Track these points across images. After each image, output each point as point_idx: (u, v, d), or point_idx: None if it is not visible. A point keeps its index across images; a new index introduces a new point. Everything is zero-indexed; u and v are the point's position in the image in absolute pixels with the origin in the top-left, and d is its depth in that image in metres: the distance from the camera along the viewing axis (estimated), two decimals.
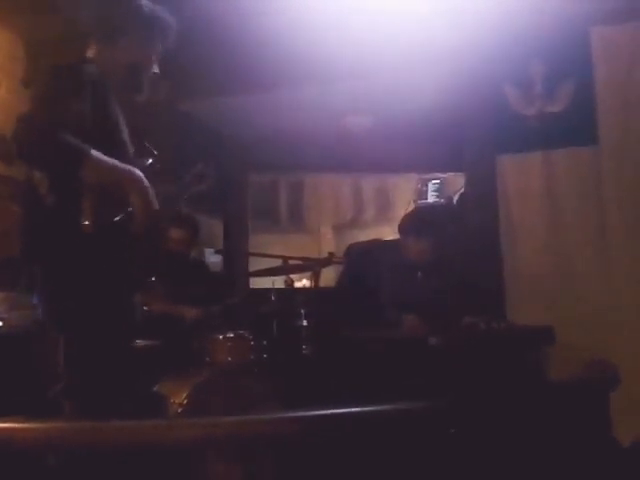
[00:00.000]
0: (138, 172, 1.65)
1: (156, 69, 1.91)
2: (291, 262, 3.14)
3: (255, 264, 4.14)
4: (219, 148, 4.93)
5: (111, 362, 1.64)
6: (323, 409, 1.26)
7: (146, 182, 1.64)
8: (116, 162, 1.61)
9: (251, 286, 4.71)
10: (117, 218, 1.59)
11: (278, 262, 3.14)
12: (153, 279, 2.81)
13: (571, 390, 1.65)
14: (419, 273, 3.13)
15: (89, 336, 1.63)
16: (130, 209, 1.62)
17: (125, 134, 1.80)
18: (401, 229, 3.25)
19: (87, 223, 1.53)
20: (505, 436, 1.99)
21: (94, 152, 1.54)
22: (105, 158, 1.58)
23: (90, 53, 1.84)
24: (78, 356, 1.66)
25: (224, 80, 3.88)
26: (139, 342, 2.70)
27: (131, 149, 1.81)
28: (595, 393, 1.92)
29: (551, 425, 1.95)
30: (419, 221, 3.27)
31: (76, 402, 1.66)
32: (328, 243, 8.86)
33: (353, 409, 1.27)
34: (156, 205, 1.65)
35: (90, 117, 1.61)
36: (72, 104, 1.58)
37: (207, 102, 4.29)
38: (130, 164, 1.68)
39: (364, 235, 7.07)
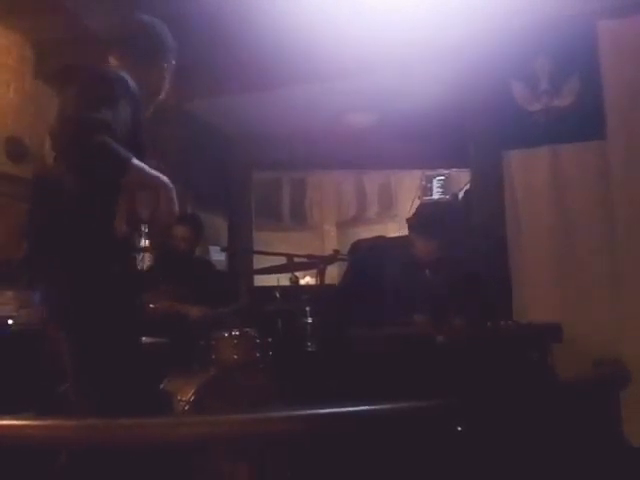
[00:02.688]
0: (166, 178, 1.69)
1: (162, 96, 1.97)
2: (296, 260, 3.13)
3: (259, 262, 4.14)
4: (222, 147, 4.93)
5: (117, 360, 1.64)
6: (329, 407, 1.25)
7: (173, 187, 1.69)
8: (148, 167, 1.65)
9: (256, 284, 4.71)
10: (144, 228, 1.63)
11: (283, 260, 3.13)
12: (160, 277, 2.82)
13: (580, 389, 1.64)
14: (427, 271, 3.11)
15: (95, 334, 1.63)
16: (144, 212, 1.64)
17: (144, 139, 1.82)
18: (412, 227, 3.21)
19: (121, 228, 1.55)
20: (513, 435, 1.98)
21: (135, 159, 1.58)
22: (141, 164, 1.61)
23: (111, 61, 1.87)
24: (84, 354, 1.65)
25: (227, 79, 3.88)
26: (145, 339, 2.71)
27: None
28: (605, 392, 1.90)
29: (560, 424, 1.94)
30: (430, 219, 3.23)
31: (83, 400, 1.66)
32: (331, 240, 8.87)
33: (360, 407, 1.26)
34: (177, 209, 1.70)
35: (129, 122, 1.65)
36: (117, 108, 1.60)
37: (210, 101, 4.28)
38: None
39: (367, 232, 7.07)
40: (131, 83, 1.72)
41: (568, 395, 1.59)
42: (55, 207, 1.66)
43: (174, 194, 1.69)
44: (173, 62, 1.98)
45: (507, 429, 1.97)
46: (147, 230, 1.73)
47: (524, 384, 2.15)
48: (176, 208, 1.69)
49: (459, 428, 1.97)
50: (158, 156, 1.95)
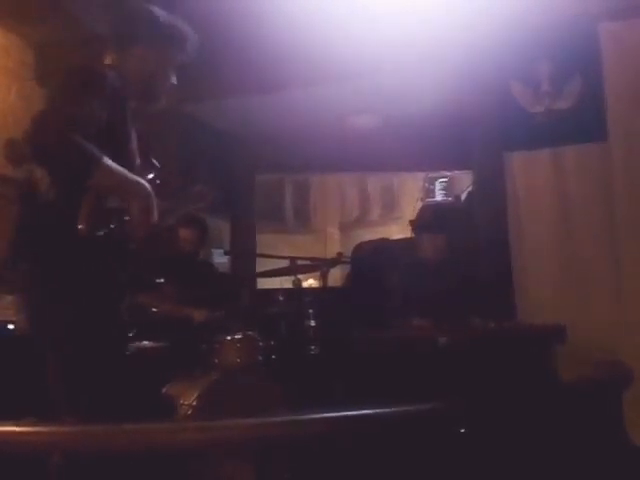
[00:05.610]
0: (145, 185, 1.63)
1: (174, 80, 1.89)
2: (299, 262, 3.13)
3: (262, 264, 4.14)
4: (225, 149, 4.94)
5: (103, 367, 1.58)
6: (333, 410, 1.25)
7: (152, 196, 1.62)
8: (125, 171, 1.60)
9: (259, 287, 4.71)
10: (112, 226, 1.57)
11: (285, 262, 3.13)
12: (161, 280, 2.82)
13: (583, 390, 1.64)
14: (430, 273, 3.10)
15: (80, 341, 1.58)
16: (127, 218, 1.59)
17: (134, 144, 1.79)
18: (416, 227, 3.20)
19: (81, 227, 1.50)
20: (517, 436, 1.98)
21: (106, 159, 1.53)
22: (115, 166, 1.56)
23: (108, 60, 1.84)
24: (70, 363, 1.59)
25: (230, 81, 3.88)
26: (147, 344, 2.72)
27: (137, 160, 1.80)
28: (608, 393, 1.90)
29: (563, 425, 1.93)
30: (435, 218, 3.23)
31: (77, 410, 1.61)
32: (334, 242, 8.84)
33: (364, 411, 1.26)
34: (155, 219, 1.62)
35: (105, 122, 1.60)
36: (91, 106, 1.56)
37: (213, 103, 4.29)
38: (135, 174, 1.66)
39: (370, 234, 7.04)
40: (110, 80, 1.65)
41: (571, 396, 1.59)
42: (29, 208, 1.65)
43: (151, 204, 1.60)
44: (172, 50, 1.84)
45: (510, 430, 1.96)
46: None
47: (527, 385, 2.15)
48: (152, 219, 1.60)
49: (462, 430, 1.97)
50: (157, 170, 1.87)
